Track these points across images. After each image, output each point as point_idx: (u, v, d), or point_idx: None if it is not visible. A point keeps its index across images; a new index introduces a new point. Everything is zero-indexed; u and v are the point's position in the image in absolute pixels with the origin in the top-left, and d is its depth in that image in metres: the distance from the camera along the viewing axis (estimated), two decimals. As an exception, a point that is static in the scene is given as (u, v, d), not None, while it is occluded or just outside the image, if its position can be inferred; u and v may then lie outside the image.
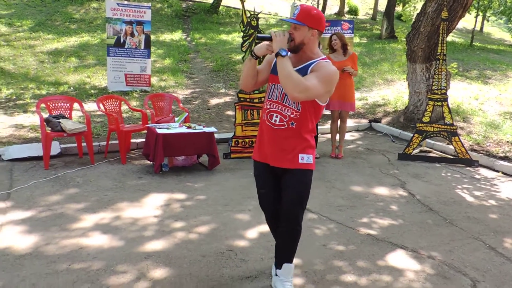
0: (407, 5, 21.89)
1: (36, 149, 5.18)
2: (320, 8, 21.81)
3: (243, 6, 5.51)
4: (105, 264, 2.96)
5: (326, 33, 8.14)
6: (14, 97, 7.77)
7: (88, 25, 14.98)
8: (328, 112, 6.28)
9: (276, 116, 2.47)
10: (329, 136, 6.39)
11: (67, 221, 3.61)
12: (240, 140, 5.74)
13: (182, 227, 3.60)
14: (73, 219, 3.64)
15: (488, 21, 24.81)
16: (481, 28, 27.91)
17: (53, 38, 12.95)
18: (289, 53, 2.36)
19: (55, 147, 5.29)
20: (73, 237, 3.33)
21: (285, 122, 2.45)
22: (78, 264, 2.95)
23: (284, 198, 2.56)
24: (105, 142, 5.60)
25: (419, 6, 18.51)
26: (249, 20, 5.42)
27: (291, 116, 2.44)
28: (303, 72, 2.38)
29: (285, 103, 2.45)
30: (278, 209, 2.62)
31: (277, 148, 2.50)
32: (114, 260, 3.03)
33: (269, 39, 2.37)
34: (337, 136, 6.18)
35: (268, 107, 2.51)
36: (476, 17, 19.97)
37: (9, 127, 6.16)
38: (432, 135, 6.21)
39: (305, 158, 2.50)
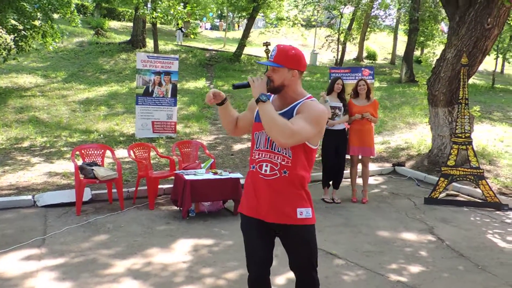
0: (426, 52, 22.24)
1: (68, 196, 5.38)
2: (339, 54, 22.36)
3: (268, 57, 5.79)
4: (137, 310, 3.01)
5: (346, 79, 8.37)
6: (48, 145, 8.15)
7: (117, 75, 15.78)
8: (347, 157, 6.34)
9: (266, 166, 2.27)
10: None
11: (99, 267, 3.70)
12: (264, 185, 5.81)
13: (210, 273, 3.64)
14: (104, 265, 3.73)
15: (509, 63, 24.84)
16: (502, 70, 27.93)
17: (84, 88, 13.68)
18: (271, 97, 2.25)
19: (87, 193, 5.48)
20: (105, 283, 3.41)
21: (276, 171, 2.25)
22: (111, 310, 3.01)
23: (292, 263, 2.41)
24: (133, 188, 5.77)
25: (438, 51, 18.82)
26: (272, 70, 5.66)
27: (282, 163, 2.25)
28: (288, 115, 2.22)
29: (274, 150, 2.26)
30: (265, 273, 2.43)
31: (272, 201, 2.27)
32: (145, 306, 3.07)
33: (247, 85, 2.25)
34: (359, 181, 6.20)
35: (257, 157, 2.32)
36: (496, 59, 20.08)
37: (43, 174, 6.44)
38: (458, 179, 6.15)
39: (304, 213, 2.28)
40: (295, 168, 2.25)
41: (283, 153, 2.25)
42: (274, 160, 2.26)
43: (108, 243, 4.23)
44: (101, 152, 5.69)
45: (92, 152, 5.67)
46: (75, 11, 12.41)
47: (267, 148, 2.28)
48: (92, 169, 5.12)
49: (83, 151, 5.61)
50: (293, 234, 2.32)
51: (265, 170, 2.27)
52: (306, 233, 2.32)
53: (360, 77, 8.13)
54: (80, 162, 5.47)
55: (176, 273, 3.62)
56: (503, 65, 27.88)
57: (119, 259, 3.86)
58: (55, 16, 11.97)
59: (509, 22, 7.87)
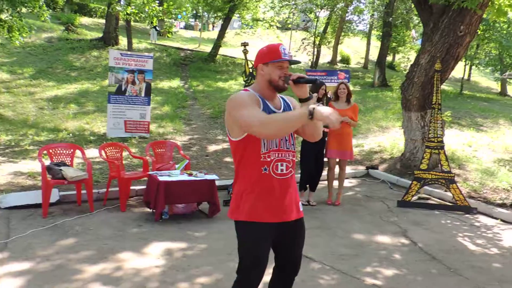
0: (400, 57, 22.77)
1: (34, 197, 5.14)
2: (314, 57, 22.58)
3: (246, 57, 5.72)
4: (107, 318, 2.87)
5: (329, 82, 8.41)
6: (13, 144, 7.79)
7: (88, 73, 15.34)
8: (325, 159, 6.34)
9: (282, 165, 2.27)
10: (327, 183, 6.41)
11: (67, 272, 3.52)
12: (240, 187, 5.74)
13: (184, 278, 3.53)
14: (72, 271, 3.55)
15: (478, 68, 25.72)
16: (469, 77, 28.92)
17: (53, 85, 13.21)
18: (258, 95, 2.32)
19: (54, 195, 5.24)
20: (73, 289, 3.24)
21: (291, 168, 2.31)
22: (79, 318, 2.86)
23: (295, 253, 2.40)
24: (104, 189, 5.57)
25: (411, 57, 19.31)
26: (251, 71, 5.61)
27: (293, 159, 2.33)
28: (290, 109, 2.38)
29: (285, 148, 2.29)
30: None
31: (292, 198, 2.32)
32: (116, 313, 2.94)
33: (312, 82, 2.28)
34: (335, 183, 6.21)
35: (272, 158, 2.25)
36: (465, 66, 20.76)
37: (8, 174, 6.13)
38: (430, 182, 6.26)
39: (301, 205, 2.42)
40: (293, 164, 2.35)
41: (291, 148, 2.31)
42: (287, 158, 2.29)
43: (76, 247, 4.04)
44: (70, 152, 5.47)
45: (61, 151, 5.44)
46: (44, 5, 11.92)
47: (281, 147, 2.28)
48: (61, 169, 4.90)
49: (51, 151, 5.37)
50: (301, 226, 2.39)
51: (281, 170, 2.26)
52: (304, 224, 2.43)
53: (336, 80, 8.19)
54: (47, 161, 5.23)
55: (149, 278, 3.49)
56: (470, 72, 28.86)
57: (88, 264, 3.69)
58: (23, 10, 11.47)
59: (477, 31, 8.10)
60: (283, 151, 2.28)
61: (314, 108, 2.00)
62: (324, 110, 2.00)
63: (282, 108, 2.34)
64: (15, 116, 9.80)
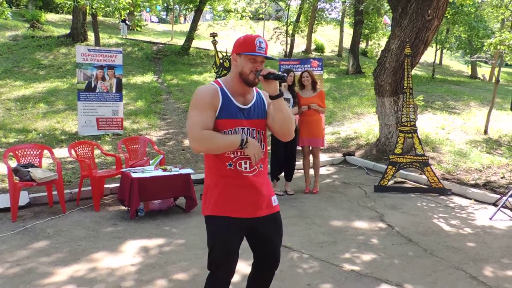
0: (371, 43, 22.98)
1: (2, 201, 4.95)
2: (287, 47, 22.57)
3: (216, 48, 5.62)
4: (80, 322, 2.78)
5: (296, 71, 8.36)
6: (-21, 147, 7.48)
7: (57, 71, 14.88)
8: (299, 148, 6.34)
9: (245, 163, 2.22)
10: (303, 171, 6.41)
11: (38, 276, 3.40)
12: (217, 180, 5.67)
13: (161, 275, 3.46)
14: (44, 274, 3.44)
15: (451, 51, 26.18)
16: (440, 61, 29.46)
17: (20, 84, 12.77)
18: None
19: (24, 197, 5.07)
20: (44, 294, 3.13)
21: (255, 166, 2.24)
22: (51, 323, 2.76)
23: (272, 247, 2.34)
24: (77, 189, 5.42)
25: (383, 42, 19.48)
26: (221, 62, 5.52)
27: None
28: (261, 105, 2.29)
29: None
30: (232, 275, 2.31)
31: (254, 196, 2.24)
32: (90, 316, 2.85)
33: (281, 78, 2.12)
34: (311, 171, 6.22)
35: (234, 155, 2.20)
36: (436, 51, 21.09)
37: (-26, 178, 5.89)
38: (405, 166, 6.34)
39: (276, 200, 2.36)
40: (265, 158, 2.30)
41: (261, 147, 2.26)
42: None
43: (48, 250, 3.91)
44: (38, 152, 5.28)
45: (28, 152, 5.24)
46: (4, 2, 11.43)
47: None
48: (28, 171, 4.73)
49: (17, 152, 5.17)
50: (273, 221, 2.32)
51: (245, 168, 2.22)
52: (280, 218, 2.37)
53: (304, 69, 8.17)
54: (14, 163, 5.03)
55: (124, 278, 3.41)
56: (441, 56, 29.41)
57: (61, 267, 3.57)
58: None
59: (446, 15, 8.23)
60: None
61: (247, 141, 2.13)
62: (252, 147, 2.15)
63: (252, 103, 2.26)
64: (-20, 118, 9.42)
